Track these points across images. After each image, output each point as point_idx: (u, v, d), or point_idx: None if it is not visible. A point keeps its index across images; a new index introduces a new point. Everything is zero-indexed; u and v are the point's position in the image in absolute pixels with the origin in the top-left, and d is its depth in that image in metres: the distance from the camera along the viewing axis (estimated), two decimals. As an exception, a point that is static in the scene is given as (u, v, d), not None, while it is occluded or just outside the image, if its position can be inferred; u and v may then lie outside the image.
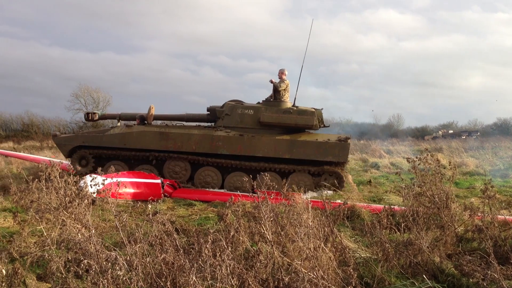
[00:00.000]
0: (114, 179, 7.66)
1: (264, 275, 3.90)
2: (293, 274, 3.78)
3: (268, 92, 11.88)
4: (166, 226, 4.35)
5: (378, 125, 54.69)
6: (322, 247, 4.14)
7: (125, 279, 3.49)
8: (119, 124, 12.35)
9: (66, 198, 5.31)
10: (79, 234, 4.48)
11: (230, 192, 10.32)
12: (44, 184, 5.54)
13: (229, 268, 3.60)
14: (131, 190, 9.33)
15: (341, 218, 5.31)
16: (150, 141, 11.18)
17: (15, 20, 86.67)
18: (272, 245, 4.19)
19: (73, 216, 5.04)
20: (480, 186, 11.70)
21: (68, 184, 5.52)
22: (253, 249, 4.25)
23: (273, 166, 10.88)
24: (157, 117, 12.76)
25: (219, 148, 10.96)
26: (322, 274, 3.77)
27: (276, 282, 3.74)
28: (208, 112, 12.20)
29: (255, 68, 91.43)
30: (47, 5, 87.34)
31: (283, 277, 3.73)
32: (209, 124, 12.25)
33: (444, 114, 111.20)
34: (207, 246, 3.71)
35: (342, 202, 5.83)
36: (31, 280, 4.42)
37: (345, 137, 10.97)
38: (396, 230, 5.36)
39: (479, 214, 5.50)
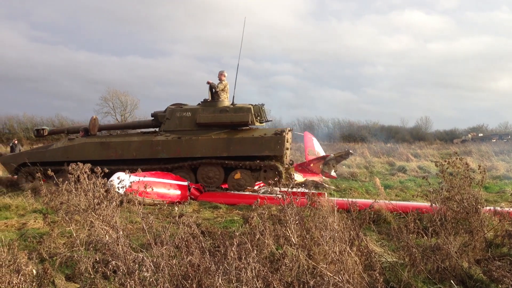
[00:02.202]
0: (142, 178, 7.78)
1: (289, 278, 3.89)
2: (318, 277, 3.76)
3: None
4: (192, 229, 4.38)
5: (405, 128, 54.10)
6: (348, 251, 4.11)
7: (152, 280, 3.53)
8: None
9: (95, 200, 5.40)
10: (107, 236, 4.55)
11: (256, 195, 10.33)
12: (73, 186, 5.65)
13: (255, 271, 3.60)
14: (158, 190, 9.41)
15: (367, 222, 5.27)
16: (92, 152, 11.35)
17: (44, 25, 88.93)
18: (297, 248, 4.18)
19: (101, 217, 5.12)
20: (511, 190, 11.48)
21: (97, 186, 5.61)
22: (278, 252, 4.25)
23: None
24: (103, 128, 13.06)
25: (159, 153, 11.13)
26: (348, 278, 3.74)
27: (301, 285, 3.73)
28: (153, 118, 12.32)
29: (279, 70, 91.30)
30: (74, 10, 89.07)
31: (308, 280, 3.72)
32: (155, 129, 12.36)
33: (474, 117, 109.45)
34: (233, 248, 3.73)
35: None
36: (60, 280, 4.50)
37: (281, 130, 10.97)
38: (423, 235, 5.28)
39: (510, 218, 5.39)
